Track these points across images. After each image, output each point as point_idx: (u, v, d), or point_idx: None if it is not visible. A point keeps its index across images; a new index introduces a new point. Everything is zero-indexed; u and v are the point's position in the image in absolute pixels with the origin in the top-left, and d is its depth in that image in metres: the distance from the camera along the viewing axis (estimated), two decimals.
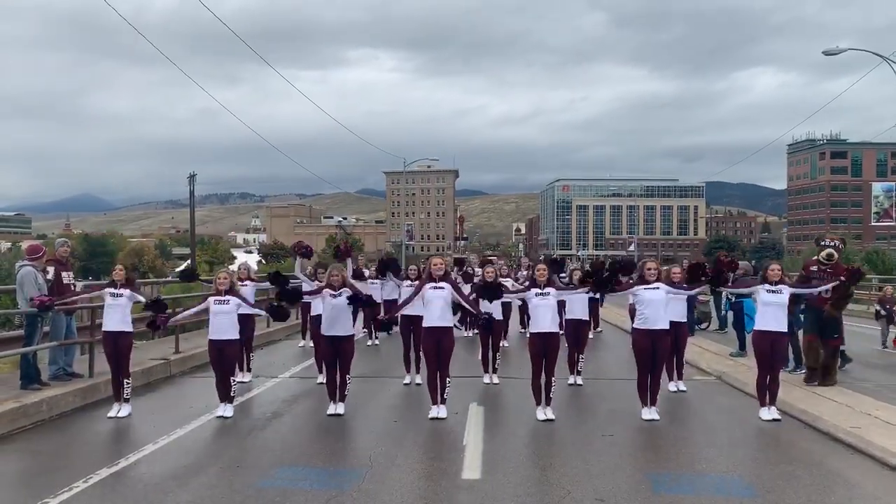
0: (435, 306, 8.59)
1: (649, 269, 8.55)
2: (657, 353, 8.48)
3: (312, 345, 11.84)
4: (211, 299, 8.74)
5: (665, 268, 9.65)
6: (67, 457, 7.13)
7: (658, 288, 8.44)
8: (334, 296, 8.69)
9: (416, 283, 11.06)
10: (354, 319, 9.13)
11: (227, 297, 8.75)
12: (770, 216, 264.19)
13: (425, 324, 8.72)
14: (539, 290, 8.42)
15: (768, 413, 8.48)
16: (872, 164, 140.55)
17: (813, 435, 7.88)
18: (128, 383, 8.88)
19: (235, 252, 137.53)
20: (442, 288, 8.62)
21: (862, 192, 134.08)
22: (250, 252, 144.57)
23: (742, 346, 13.31)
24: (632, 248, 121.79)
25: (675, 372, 10.48)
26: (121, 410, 8.71)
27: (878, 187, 43.62)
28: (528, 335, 9.03)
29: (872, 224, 51.23)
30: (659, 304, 8.40)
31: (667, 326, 8.58)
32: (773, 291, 8.48)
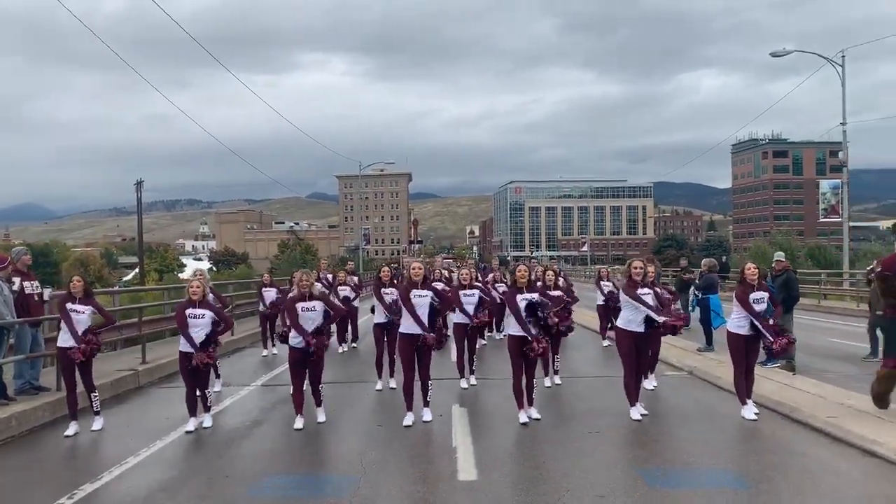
0: (418, 312, 8.42)
1: (636, 269, 8.52)
2: (641, 353, 8.52)
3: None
4: (186, 312, 8.43)
5: None
6: (46, 473, 6.89)
7: (647, 294, 8.44)
8: (306, 308, 8.44)
9: (391, 287, 11.03)
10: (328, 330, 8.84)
11: (203, 311, 8.44)
12: (715, 214, 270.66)
13: (403, 329, 8.52)
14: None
15: (750, 412, 8.40)
16: (812, 162, 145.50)
17: (791, 425, 8.06)
18: (95, 396, 8.51)
19: (185, 259, 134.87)
20: (424, 295, 8.50)
21: (803, 190, 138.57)
22: (200, 259, 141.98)
23: (709, 342, 13.58)
24: (584, 248, 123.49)
25: (649, 369, 10.59)
26: (93, 424, 8.38)
27: (825, 184, 44.81)
28: (505, 337, 9.00)
29: (821, 220, 52.78)
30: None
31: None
32: (757, 301, 8.51)
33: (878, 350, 12.86)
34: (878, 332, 12.95)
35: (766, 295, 8.54)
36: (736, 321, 8.62)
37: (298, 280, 8.71)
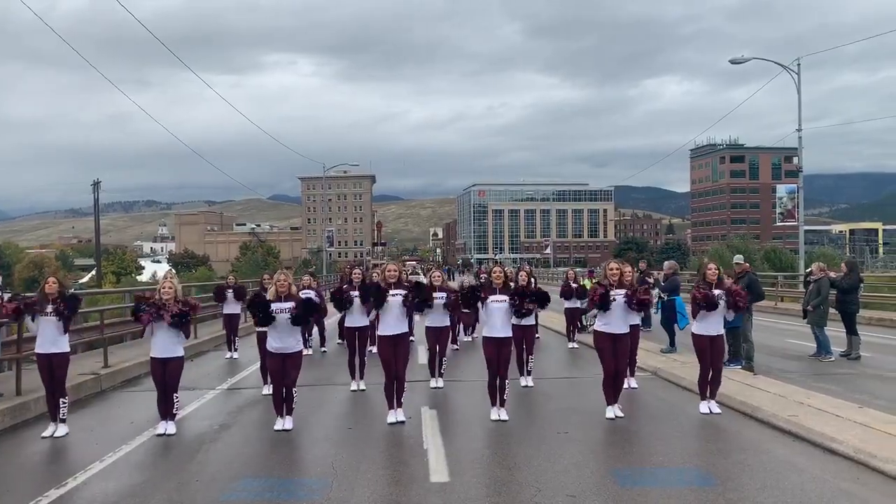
0: (391, 314, 8.51)
1: (612, 270, 8.65)
2: (618, 354, 8.62)
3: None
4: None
5: None
6: (9, 479, 6.71)
7: (615, 299, 8.49)
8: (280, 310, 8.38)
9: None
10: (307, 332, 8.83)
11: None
12: (674, 218, 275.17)
13: (381, 332, 8.57)
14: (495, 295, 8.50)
15: (706, 407, 8.79)
16: (768, 167, 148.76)
17: (754, 424, 8.25)
18: (64, 402, 8.35)
19: (143, 262, 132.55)
20: (397, 295, 8.54)
21: (759, 194, 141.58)
22: (159, 262, 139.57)
23: (672, 343, 13.81)
24: (547, 251, 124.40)
25: (628, 370, 10.68)
26: (56, 430, 8.21)
27: (781, 189, 45.90)
28: (480, 338, 9.09)
29: (778, 224, 54.00)
30: (618, 309, 8.48)
31: (626, 330, 8.63)
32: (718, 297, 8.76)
33: (822, 349, 13.23)
34: (815, 330, 13.35)
35: (721, 302, 8.76)
36: (698, 323, 8.90)
37: (276, 280, 8.56)
